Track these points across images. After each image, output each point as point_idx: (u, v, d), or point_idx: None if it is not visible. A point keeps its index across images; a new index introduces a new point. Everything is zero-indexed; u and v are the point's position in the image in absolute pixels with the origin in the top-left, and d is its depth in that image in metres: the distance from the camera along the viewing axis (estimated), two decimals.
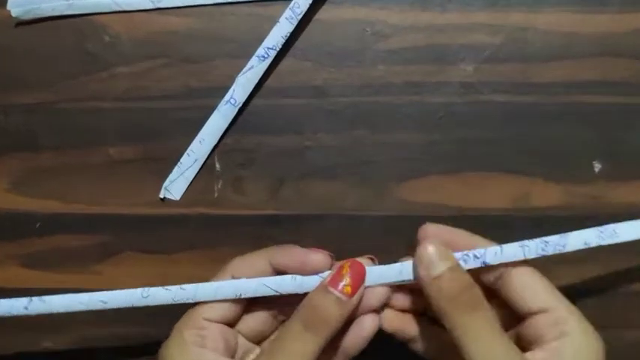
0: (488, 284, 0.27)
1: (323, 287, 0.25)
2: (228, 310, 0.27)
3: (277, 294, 0.26)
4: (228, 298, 0.26)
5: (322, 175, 0.32)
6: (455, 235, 0.27)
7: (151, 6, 0.31)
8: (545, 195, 0.31)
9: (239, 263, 0.27)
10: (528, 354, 0.25)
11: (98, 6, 0.31)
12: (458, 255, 0.26)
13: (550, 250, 0.25)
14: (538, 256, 0.25)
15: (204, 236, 0.32)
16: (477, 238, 0.27)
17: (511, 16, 0.31)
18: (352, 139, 0.32)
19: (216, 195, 0.32)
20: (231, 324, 0.27)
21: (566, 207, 0.31)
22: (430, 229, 0.27)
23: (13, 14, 0.31)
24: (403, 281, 0.26)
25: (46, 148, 0.32)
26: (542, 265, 0.26)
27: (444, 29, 0.31)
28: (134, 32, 0.32)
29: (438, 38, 0.31)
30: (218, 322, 0.27)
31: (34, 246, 0.32)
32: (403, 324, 0.28)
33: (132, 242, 0.32)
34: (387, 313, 0.28)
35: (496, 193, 0.31)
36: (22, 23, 0.32)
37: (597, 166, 0.31)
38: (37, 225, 0.32)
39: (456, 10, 0.31)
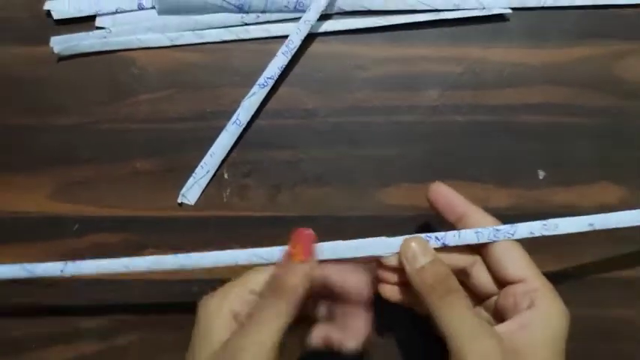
0: (463, 269, 0.28)
1: (282, 261, 0.27)
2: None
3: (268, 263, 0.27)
4: (227, 264, 0.27)
5: (313, 182, 0.34)
6: (455, 199, 0.28)
7: (169, 43, 0.34)
8: (498, 198, 0.33)
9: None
10: (501, 325, 0.26)
11: (127, 44, 0.34)
12: (423, 235, 0.27)
13: (500, 237, 0.27)
14: (489, 241, 0.27)
15: (215, 234, 0.34)
16: (472, 207, 0.28)
17: (470, 51, 0.34)
18: (338, 152, 0.34)
19: (225, 200, 0.34)
20: None
21: (515, 208, 0.33)
22: (440, 189, 0.28)
23: (55, 51, 0.34)
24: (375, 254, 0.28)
25: (82, 162, 0.34)
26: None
27: (414, 62, 0.34)
28: (156, 65, 0.34)
29: (409, 69, 0.34)
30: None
31: (73, 244, 0.34)
32: (400, 294, 0.29)
33: (154, 240, 0.34)
34: (385, 288, 0.29)
35: None
36: (63, 58, 0.34)
37: (541, 174, 0.34)
38: (75, 226, 0.34)
39: (424, 45, 0.34)
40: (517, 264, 0.27)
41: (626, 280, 0.33)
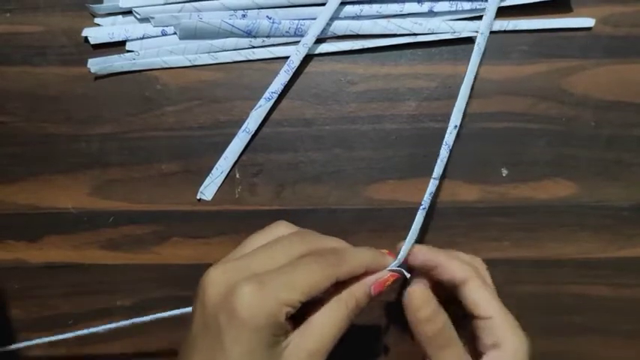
0: (451, 291, 0.29)
1: (368, 287, 0.27)
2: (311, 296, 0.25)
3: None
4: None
5: (311, 180, 0.35)
6: (436, 257, 0.29)
7: (189, 64, 0.35)
8: (468, 193, 0.34)
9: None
10: None
11: (152, 64, 0.35)
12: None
13: None
14: None
15: (229, 225, 0.35)
16: (454, 262, 0.28)
17: (442, 68, 0.35)
18: (332, 155, 0.35)
19: (237, 196, 0.35)
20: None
21: (482, 201, 0.35)
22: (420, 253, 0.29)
23: (92, 70, 0.35)
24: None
25: (115, 165, 0.35)
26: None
27: (395, 78, 0.35)
28: (178, 82, 0.35)
29: (391, 84, 0.35)
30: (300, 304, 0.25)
31: (108, 234, 0.35)
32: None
33: (178, 230, 0.35)
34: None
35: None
36: (98, 77, 0.35)
37: (504, 172, 0.35)
38: (111, 219, 0.35)
39: (404, 64, 0.35)
40: (486, 303, 0.27)
41: (578, 261, 0.35)
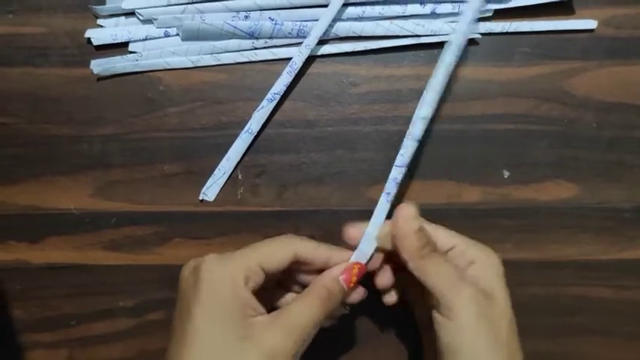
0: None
1: (336, 277, 0.28)
2: (277, 271, 0.27)
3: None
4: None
5: (314, 181, 0.35)
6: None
7: (191, 65, 0.35)
8: (470, 194, 0.34)
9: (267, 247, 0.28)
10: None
11: (155, 65, 0.35)
12: (381, 198, 0.29)
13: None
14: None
15: (231, 226, 0.35)
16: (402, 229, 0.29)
17: None
18: (334, 156, 0.35)
19: (239, 197, 0.35)
20: (267, 286, 0.27)
21: (484, 202, 0.34)
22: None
23: (95, 72, 0.35)
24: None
25: (118, 166, 0.35)
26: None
27: (397, 79, 0.35)
28: (180, 83, 0.35)
29: (394, 85, 0.35)
30: (266, 275, 0.27)
31: (111, 235, 0.35)
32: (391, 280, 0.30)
33: (180, 231, 0.35)
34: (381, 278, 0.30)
35: (436, 193, 0.35)
36: (101, 78, 0.35)
37: (506, 174, 0.35)
38: (113, 220, 0.35)
39: (407, 65, 0.35)
40: (444, 237, 0.29)
41: (579, 262, 0.35)
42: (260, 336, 0.25)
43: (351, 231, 0.29)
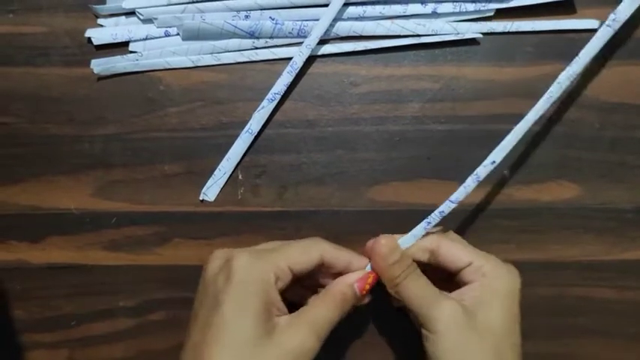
0: (427, 261, 0.30)
1: (351, 284, 0.29)
2: (304, 272, 0.28)
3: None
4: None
5: (314, 182, 0.35)
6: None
7: (191, 65, 0.34)
8: (471, 195, 0.32)
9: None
10: (457, 291, 0.29)
11: (155, 65, 0.35)
12: (421, 225, 0.30)
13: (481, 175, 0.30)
14: (474, 184, 0.30)
15: (232, 227, 0.35)
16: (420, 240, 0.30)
17: (446, 70, 0.34)
18: (335, 156, 0.35)
19: (239, 197, 0.35)
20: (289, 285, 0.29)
21: (485, 203, 0.34)
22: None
23: (95, 71, 0.34)
24: None
25: (118, 166, 0.35)
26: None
27: (398, 79, 0.35)
28: (180, 83, 0.35)
29: (395, 85, 0.35)
30: (294, 276, 0.28)
31: (111, 235, 0.35)
32: None
33: (181, 231, 0.35)
34: None
35: (436, 193, 0.34)
36: (101, 78, 0.35)
37: (508, 174, 0.34)
38: (113, 220, 0.35)
39: (408, 65, 0.35)
40: (460, 254, 0.29)
41: (582, 263, 0.34)
42: (284, 335, 0.26)
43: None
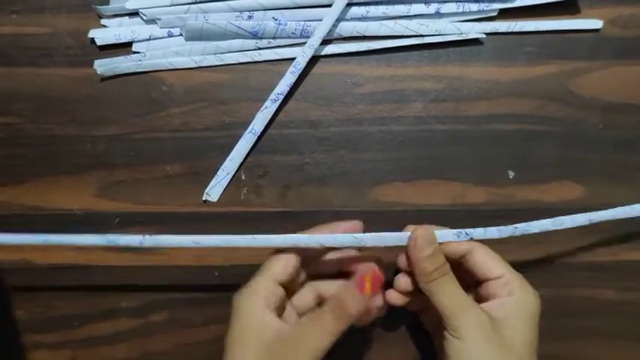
0: (457, 260, 0.30)
1: (350, 289, 0.28)
2: (290, 277, 0.29)
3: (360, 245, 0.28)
4: (292, 244, 0.28)
5: (317, 182, 0.35)
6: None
7: (195, 65, 0.34)
8: (474, 195, 0.34)
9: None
10: (483, 304, 0.29)
11: (158, 65, 0.34)
12: (454, 231, 0.29)
13: (518, 233, 0.29)
14: (511, 235, 0.29)
15: (234, 227, 0.34)
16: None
17: (449, 70, 0.34)
18: (338, 157, 0.35)
19: (242, 197, 0.35)
20: (289, 293, 0.29)
21: (489, 204, 0.34)
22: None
23: (98, 72, 0.34)
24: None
25: (121, 166, 0.35)
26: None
27: (402, 79, 0.35)
28: (183, 84, 0.35)
29: (398, 85, 0.35)
30: (284, 286, 0.28)
31: None
32: (404, 300, 0.31)
33: (183, 231, 0.32)
34: (391, 293, 0.31)
35: (440, 194, 0.34)
36: (104, 78, 0.35)
37: (511, 174, 0.34)
38: (116, 220, 0.35)
39: (411, 65, 0.35)
40: (493, 265, 0.29)
41: (586, 264, 0.34)
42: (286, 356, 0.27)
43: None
